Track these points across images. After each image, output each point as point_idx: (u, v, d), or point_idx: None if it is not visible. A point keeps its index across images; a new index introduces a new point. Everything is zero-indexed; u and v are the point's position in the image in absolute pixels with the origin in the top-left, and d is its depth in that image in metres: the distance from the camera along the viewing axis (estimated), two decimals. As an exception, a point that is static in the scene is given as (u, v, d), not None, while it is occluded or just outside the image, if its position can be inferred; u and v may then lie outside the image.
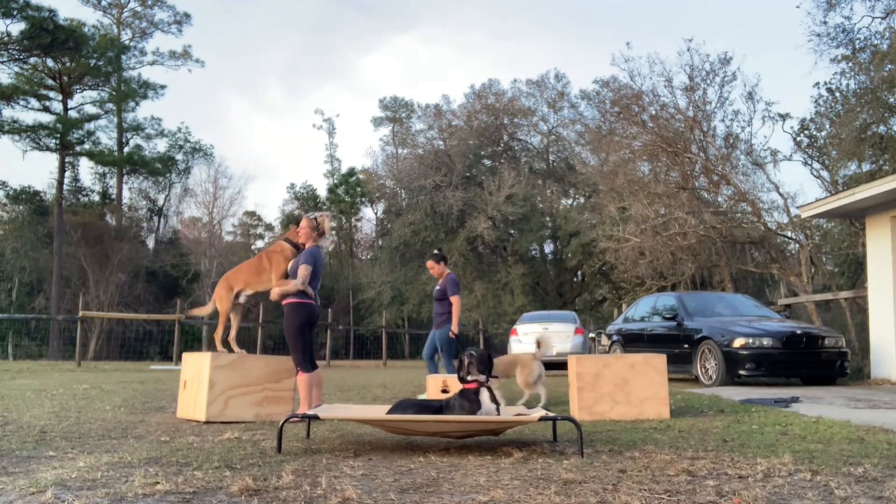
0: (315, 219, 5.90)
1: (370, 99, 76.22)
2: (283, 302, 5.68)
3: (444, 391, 6.10)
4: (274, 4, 64.25)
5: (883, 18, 18.05)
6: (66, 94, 32.93)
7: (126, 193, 38.56)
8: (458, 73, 68.79)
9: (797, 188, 51.03)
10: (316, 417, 4.03)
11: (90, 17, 61.44)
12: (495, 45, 67.12)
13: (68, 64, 32.09)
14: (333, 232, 6.19)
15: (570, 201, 34.47)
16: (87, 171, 52.73)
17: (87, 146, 34.33)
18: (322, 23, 69.81)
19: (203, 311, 6.41)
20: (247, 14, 64.93)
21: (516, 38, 66.65)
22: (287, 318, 5.64)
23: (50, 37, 28.83)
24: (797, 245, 18.24)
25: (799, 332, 9.64)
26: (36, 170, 75.42)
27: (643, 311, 11.96)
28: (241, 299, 5.94)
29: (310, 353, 5.62)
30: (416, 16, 69.06)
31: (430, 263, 7.82)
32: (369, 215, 42.73)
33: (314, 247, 5.77)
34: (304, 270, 5.56)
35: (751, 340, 9.19)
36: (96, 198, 37.42)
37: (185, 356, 5.95)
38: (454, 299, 7.51)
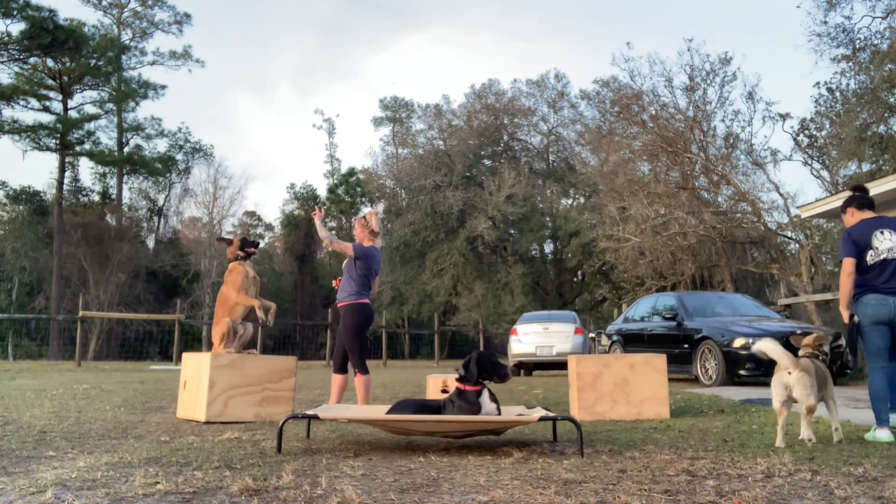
0: (363, 218, 5.92)
1: (372, 99, 76.28)
2: (339, 304, 5.73)
3: (444, 391, 6.09)
4: (283, 4, 64.29)
5: (883, 18, 18.06)
6: (66, 94, 32.95)
7: (126, 193, 38.61)
8: (458, 73, 68.83)
9: (797, 188, 51.15)
10: (316, 417, 4.02)
11: (90, 17, 61.54)
12: (495, 45, 67.15)
13: (68, 64, 32.10)
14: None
15: (570, 201, 34.47)
16: (87, 171, 52.78)
17: (87, 146, 34.36)
18: (329, 23, 69.84)
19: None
20: (253, 14, 64.99)
21: (516, 38, 66.68)
22: (345, 320, 5.67)
23: (50, 37, 28.85)
24: (797, 245, 18.24)
25: (799, 332, 9.63)
26: (36, 170, 75.50)
27: (643, 311, 11.95)
28: (239, 329, 5.92)
29: (366, 354, 5.67)
30: (415, 17, 69.11)
31: None
32: (369, 215, 42.72)
33: (371, 247, 5.83)
34: (341, 245, 5.61)
35: (751, 340, 9.19)
36: (96, 198, 37.43)
37: (185, 356, 5.95)
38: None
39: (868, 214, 4.76)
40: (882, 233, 4.60)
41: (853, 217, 4.82)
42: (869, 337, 4.60)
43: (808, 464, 3.42)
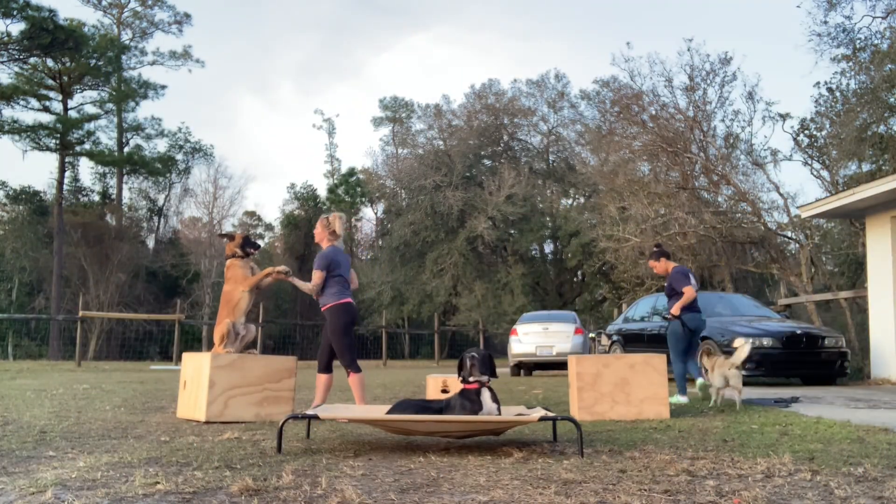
0: (327, 218, 5.96)
1: (373, 99, 76.33)
2: (323, 308, 5.77)
3: (444, 391, 6.09)
4: (283, 4, 64.29)
5: (883, 18, 18.06)
6: (66, 94, 32.94)
7: (126, 193, 38.61)
8: (458, 73, 68.86)
9: (797, 188, 51.10)
10: (316, 417, 4.02)
11: (90, 17, 61.52)
12: (495, 45, 67.16)
13: (68, 64, 32.10)
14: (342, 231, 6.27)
15: (570, 201, 34.48)
16: (87, 171, 52.77)
17: (87, 146, 34.36)
18: (330, 23, 69.82)
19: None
20: (254, 14, 64.98)
21: (516, 38, 66.69)
22: (330, 322, 5.70)
23: (50, 37, 28.84)
24: (797, 245, 18.23)
25: (799, 332, 9.64)
26: (36, 170, 75.61)
27: (643, 311, 11.95)
28: (241, 331, 5.92)
29: (355, 352, 5.72)
30: (415, 17, 69.10)
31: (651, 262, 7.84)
32: (369, 215, 42.77)
33: (329, 247, 5.82)
34: (316, 278, 5.66)
35: (751, 340, 9.18)
36: (96, 198, 37.43)
37: (185, 356, 5.94)
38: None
39: (675, 263, 7.62)
40: (692, 274, 7.44)
41: (667, 264, 7.51)
42: (684, 338, 7.17)
43: (808, 464, 3.42)
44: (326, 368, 5.88)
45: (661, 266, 7.51)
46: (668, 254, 7.73)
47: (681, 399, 6.92)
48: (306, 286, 5.74)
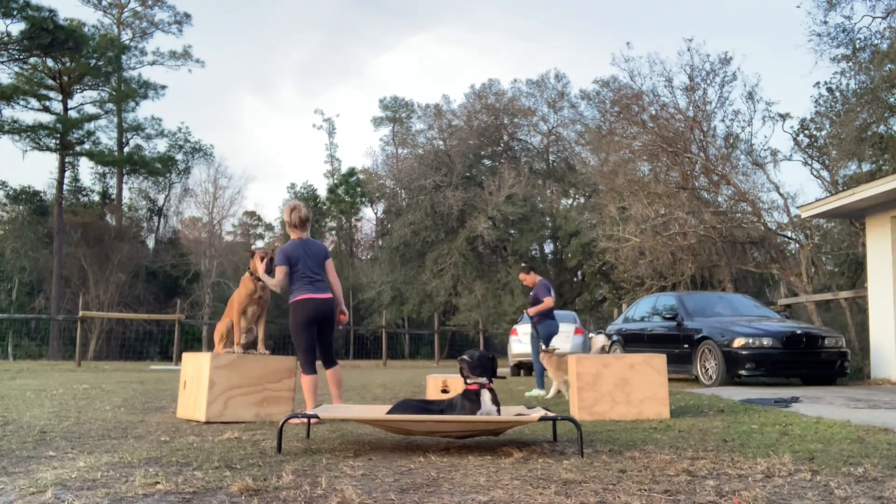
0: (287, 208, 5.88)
1: (373, 99, 76.32)
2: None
3: (444, 391, 6.10)
4: (284, 4, 64.29)
5: (883, 18, 18.05)
6: (66, 94, 32.92)
7: (126, 193, 38.60)
8: (458, 73, 68.86)
9: (797, 188, 51.06)
10: (316, 417, 4.03)
11: (90, 17, 61.49)
12: (496, 45, 67.16)
13: (68, 64, 32.08)
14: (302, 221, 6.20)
15: (570, 201, 34.47)
16: (87, 171, 52.77)
17: (87, 146, 34.34)
18: (331, 24, 69.81)
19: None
20: (255, 14, 64.97)
21: (517, 38, 66.70)
22: (289, 319, 5.63)
23: (50, 37, 28.83)
24: (797, 245, 18.22)
25: (799, 332, 9.64)
26: (36, 170, 75.62)
27: (643, 311, 11.95)
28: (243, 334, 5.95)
29: (311, 353, 5.47)
30: (416, 17, 69.11)
31: (521, 276, 9.29)
32: (369, 215, 42.77)
33: (290, 241, 5.63)
34: (278, 274, 5.42)
35: (751, 340, 9.19)
36: (96, 198, 37.42)
37: (185, 356, 5.95)
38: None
39: (539, 277, 9.09)
40: (552, 288, 8.89)
41: (534, 277, 9.00)
42: (544, 342, 8.52)
43: (808, 464, 3.42)
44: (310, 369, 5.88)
45: (530, 278, 9.03)
46: (534, 268, 9.39)
47: (539, 392, 8.32)
48: (271, 282, 5.54)
